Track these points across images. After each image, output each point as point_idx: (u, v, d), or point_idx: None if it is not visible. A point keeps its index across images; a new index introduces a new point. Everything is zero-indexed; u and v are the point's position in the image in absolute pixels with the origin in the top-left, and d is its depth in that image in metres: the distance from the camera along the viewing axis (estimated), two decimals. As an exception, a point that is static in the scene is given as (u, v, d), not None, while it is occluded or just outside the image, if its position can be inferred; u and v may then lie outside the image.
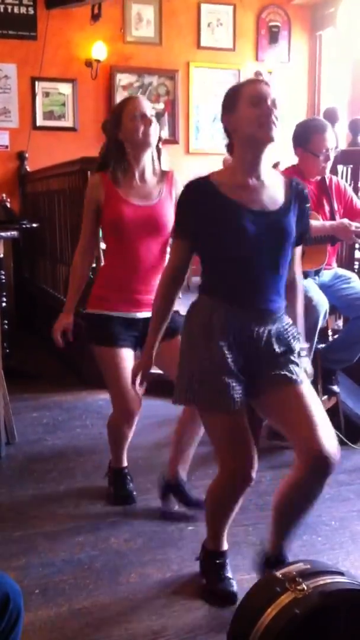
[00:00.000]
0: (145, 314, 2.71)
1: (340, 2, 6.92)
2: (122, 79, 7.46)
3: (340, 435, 3.47)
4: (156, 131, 2.72)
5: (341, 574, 1.78)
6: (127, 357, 2.79)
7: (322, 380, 3.45)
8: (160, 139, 2.79)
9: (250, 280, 2.07)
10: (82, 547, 2.59)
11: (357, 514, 2.85)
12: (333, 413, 3.48)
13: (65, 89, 7.29)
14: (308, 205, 2.15)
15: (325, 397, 3.42)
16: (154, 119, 2.71)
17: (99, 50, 7.17)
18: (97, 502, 2.96)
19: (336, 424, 3.46)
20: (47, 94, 7.24)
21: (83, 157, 4.85)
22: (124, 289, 2.80)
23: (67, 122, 7.33)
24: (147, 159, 2.76)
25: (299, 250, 2.20)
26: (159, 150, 2.80)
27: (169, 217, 2.72)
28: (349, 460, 3.40)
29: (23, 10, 6.99)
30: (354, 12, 6.78)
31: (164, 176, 2.79)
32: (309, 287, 3.25)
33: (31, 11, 7.00)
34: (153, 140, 2.72)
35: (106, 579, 2.39)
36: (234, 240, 2.03)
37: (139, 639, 2.07)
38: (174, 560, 2.50)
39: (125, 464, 3.03)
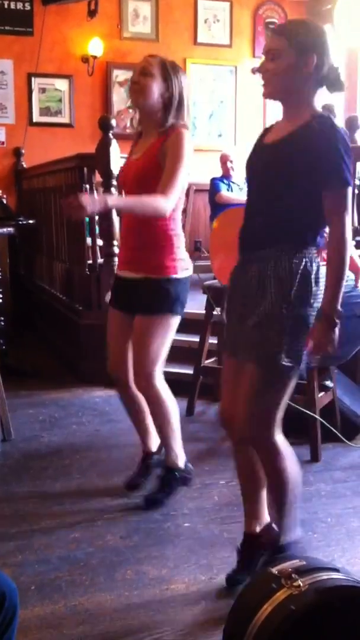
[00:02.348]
0: (126, 273, 2.75)
1: (337, -2, 6.91)
2: (119, 75, 7.44)
3: (337, 433, 3.49)
4: (148, 90, 2.60)
5: (337, 570, 1.78)
6: (115, 317, 2.84)
7: (318, 375, 3.46)
8: (172, 97, 2.61)
9: (246, 218, 2.10)
10: (78, 544, 2.59)
11: (353, 511, 2.86)
12: (329, 410, 3.49)
13: (62, 85, 7.28)
14: (323, 146, 1.92)
15: (322, 394, 3.42)
16: (153, 77, 2.60)
17: (95, 47, 7.15)
18: (93, 499, 2.96)
19: (333, 421, 3.49)
20: (43, 90, 7.23)
21: (79, 154, 4.85)
22: (120, 248, 2.90)
23: (64, 119, 7.32)
24: (152, 117, 2.65)
25: (331, 195, 1.94)
26: (175, 109, 2.63)
27: (145, 171, 2.63)
28: (344, 458, 3.41)
29: (19, 5, 6.97)
30: (350, 9, 6.77)
31: (165, 132, 2.63)
32: None
33: (27, 7, 6.99)
34: (142, 99, 2.62)
35: (102, 576, 2.39)
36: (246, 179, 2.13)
37: (135, 635, 2.07)
38: (170, 557, 2.50)
39: (147, 449, 3.00)
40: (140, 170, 2.66)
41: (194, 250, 7.05)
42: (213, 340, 4.07)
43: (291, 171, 1.96)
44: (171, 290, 2.66)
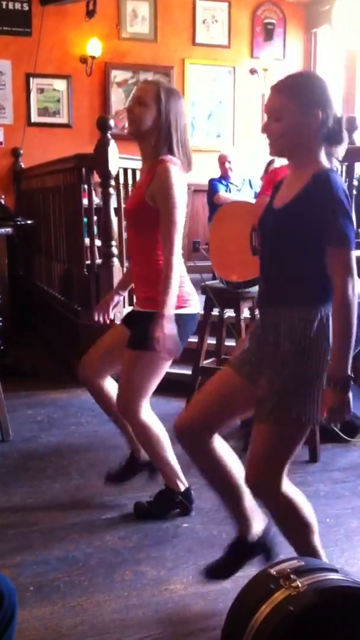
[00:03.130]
0: (135, 306, 2.76)
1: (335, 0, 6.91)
2: (117, 75, 7.45)
3: (337, 430, 3.49)
4: (141, 120, 2.56)
5: (335, 571, 1.78)
6: (117, 330, 2.85)
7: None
8: (163, 125, 2.57)
9: (263, 279, 2.09)
10: (77, 545, 2.59)
11: (351, 512, 2.86)
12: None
13: (60, 85, 7.28)
14: (322, 206, 1.90)
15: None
16: (147, 107, 2.57)
17: (93, 47, 7.15)
18: (92, 499, 2.96)
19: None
20: (41, 91, 7.23)
21: (77, 154, 4.85)
22: None
23: (62, 119, 7.32)
24: (147, 145, 2.61)
25: (332, 255, 1.91)
26: (166, 139, 2.58)
27: (136, 209, 2.62)
28: (343, 458, 3.41)
29: (18, 6, 6.97)
30: (349, 9, 6.77)
31: (153, 165, 2.58)
32: None
33: (26, 7, 6.99)
34: (135, 128, 2.59)
35: (101, 577, 2.39)
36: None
37: (134, 635, 2.07)
38: (169, 558, 2.50)
39: (133, 447, 2.96)
40: (132, 209, 2.67)
41: (193, 250, 7.08)
42: (212, 340, 4.07)
43: (296, 237, 1.94)
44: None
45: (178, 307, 2.55)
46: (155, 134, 2.58)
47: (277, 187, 2.11)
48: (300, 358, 1.94)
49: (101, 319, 2.98)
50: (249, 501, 2.21)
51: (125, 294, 3.15)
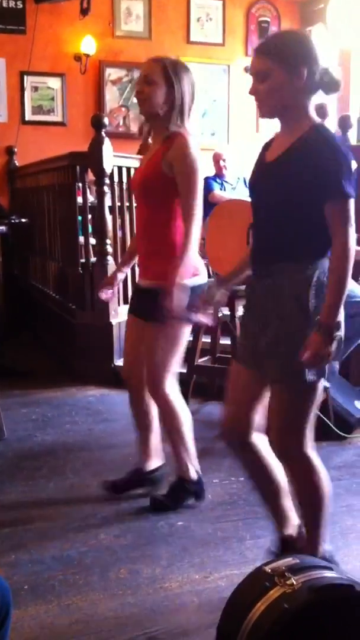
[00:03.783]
0: (141, 281, 2.75)
1: (329, -3, 6.92)
2: (112, 73, 7.44)
3: (332, 426, 3.50)
4: (152, 99, 2.56)
5: (330, 568, 1.78)
6: (132, 323, 2.83)
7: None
8: (175, 102, 2.57)
9: (255, 233, 2.09)
10: (72, 544, 2.59)
11: (347, 510, 2.86)
12: (323, 409, 3.50)
13: (54, 83, 7.27)
14: (322, 159, 1.89)
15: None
16: (156, 84, 2.56)
17: (88, 45, 7.14)
18: (87, 498, 2.96)
19: (327, 419, 3.49)
20: (36, 89, 7.22)
21: (72, 152, 4.84)
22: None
23: (56, 117, 7.31)
24: (159, 122, 2.62)
25: (332, 207, 1.91)
26: (179, 112, 2.59)
27: (149, 180, 2.61)
28: (338, 456, 3.41)
29: (12, 4, 6.95)
30: (343, 8, 6.78)
31: (168, 138, 2.60)
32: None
33: (20, 5, 6.97)
34: (148, 107, 2.59)
35: (96, 575, 2.38)
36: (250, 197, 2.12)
37: (129, 634, 2.07)
38: (164, 556, 2.50)
39: (141, 464, 2.94)
40: (144, 179, 2.65)
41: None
42: (206, 339, 4.08)
43: (293, 187, 1.94)
44: None
45: (192, 276, 2.60)
46: (168, 109, 2.58)
47: (266, 146, 2.11)
48: (304, 315, 1.95)
49: (105, 296, 2.98)
50: (289, 500, 2.22)
51: (129, 271, 3.17)
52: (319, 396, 2.05)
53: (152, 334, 2.68)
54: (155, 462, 2.95)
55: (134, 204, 4.93)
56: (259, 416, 2.18)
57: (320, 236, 1.95)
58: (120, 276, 2.96)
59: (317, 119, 1.99)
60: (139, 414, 2.91)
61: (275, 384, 2.03)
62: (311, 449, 2.08)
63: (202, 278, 2.69)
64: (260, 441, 2.17)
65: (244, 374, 2.14)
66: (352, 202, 1.92)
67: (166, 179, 2.56)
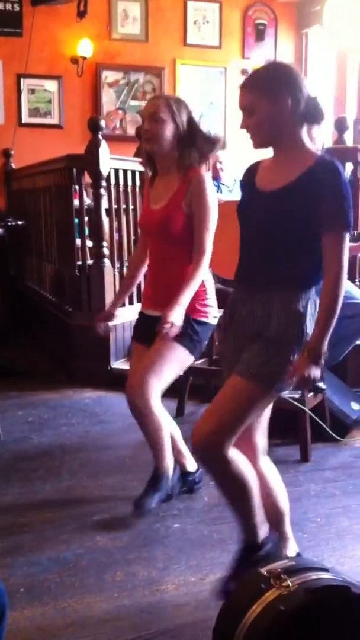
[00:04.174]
0: (151, 311, 2.79)
1: (326, 0, 6.93)
2: (108, 76, 7.44)
3: (327, 429, 3.50)
4: (161, 136, 2.64)
5: (326, 570, 1.78)
6: (139, 351, 2.84)
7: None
8: (183, 133, 2.66)
9: (245, 260, 2.12)
10: (68, 546, 2.59)
11: (342, 511, 2.86)
12: (319, 411, 3.50)
13: (51, 86, 7.27)
14: (328, 191, 1.94)
15: (311, 394, 3.42)
16: (164, 122, 2.64)
17: (84, 47, 7.14)
18: (83, 500, 2.96)
19: (322, 421, 3.50)
20: (32, 91, 7.22)
21: (68, 155, 4.84)
22: (145, 286, 2.94)
23: (53, 120, 7.31)
24: (169, 158, 2.69)
25: (332, 237, 1.96)
26: (188, 145, 2.67)
27: (174, 219, 2.67)
28: (334, 457, 3.42)
29: (8, 6, 6.95)
30: (339, 10, 6.79)
31: (186, 175, 2.68)
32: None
33: (17, 7, 6.97)
34: (157, 145, 2.66)
35: (92, 577, 2.38)
36: (241, 223, 2.14)
37: (125, 636, 2.07)
38: (160, 558, 2.50)
39: (161, 469, 2.86)
40: (164, 219, 2.69)
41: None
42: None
43: (296, 220, 1.98)
44: (191, 329, 2.68)
45: (202, 315, 2.72)
46: (177, 144, 2.66)
47: (252, 172, 2.14)
48: (289, 337, 2.01)
49: (105, 330, 3.12)
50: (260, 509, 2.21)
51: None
52: (268, 402, 2.10)
53: (155, 346, 2.69)
54: (191, 462, 2.98)
55: (130, 207, 4.96)
56: (262, 439, 2.20)
57: (315, 267, 2.02)
58: (117, 312, 3.01)
59: (316, 150, 2.03)
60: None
61: (242, 379, 2.03)
62: (233, 450, 2.06)
63: (211, 320, 2.78)
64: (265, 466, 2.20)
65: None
66: (348, 235, 1.99)
67: (188, 219, 2.66)
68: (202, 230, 2.66)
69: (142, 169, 4.97)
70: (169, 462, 2.85)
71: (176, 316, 2.57)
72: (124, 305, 3.08)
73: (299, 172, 1.99)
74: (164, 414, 2.79)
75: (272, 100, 1.97)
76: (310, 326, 2.02)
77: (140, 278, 3.06)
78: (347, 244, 1.98)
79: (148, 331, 2.74)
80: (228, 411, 2.04)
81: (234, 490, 2.12)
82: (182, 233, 2.68)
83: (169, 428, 2.83)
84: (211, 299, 2.80)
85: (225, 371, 2.19)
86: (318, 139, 2.08)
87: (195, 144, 2.68)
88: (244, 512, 2.15)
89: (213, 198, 2.69)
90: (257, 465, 2.18)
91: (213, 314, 2.78)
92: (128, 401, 2.80)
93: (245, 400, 2.03)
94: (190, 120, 2.69)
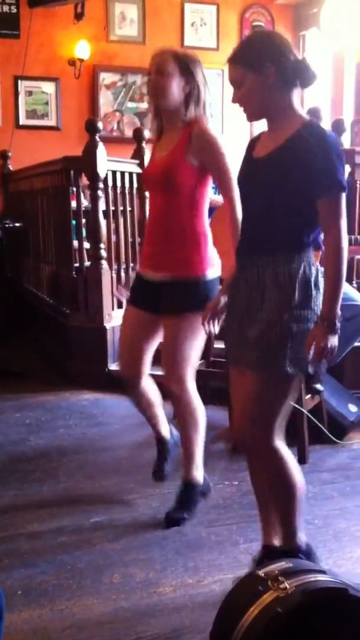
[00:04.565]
0: (150, 274, 2.68)
1: (323, 2, 6.94)
2: (106, 77, 7.44)
3: (325, 430, 3.50)
4: (168, 90, 2.54)
5: (323, 572, 1.78)
6: (133, 315, 2.76)
7: (306, 379, 3.46)
8: (192, 92, 2.58)
9: (243, 229, 2.12)
10: (65, 548, 2.58)
11: (340, 513, 2.86)
12: (317, 412, 3.50)
13: (49, 87, 7.27)
14: (317, 153, 1.91)
15: (309, 396, 3.42)
16: (170, 75, 2.54)
17: (82, 49, 7.15)
18: (80, 502, 2.95)
19: (320, 423, 3.50)
20: (30, 93, 7.22)
21: (66, 156, 4.84)
22: (144, 246, 2.85)
23: (50, 121, 7.31)
24: (176, 114, 2.60)
25: (326, 201, 1.94)
26: (195, 101, 2.59)
27: (172, 169, 2.57)
28: (332, 459, 3.42)
29: (6, 8, 6.95)
30: (336, 12, 6.80)
31: (187, 126, 2.58)
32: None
33: (14, 9, 6.97)
34: (163, 99, 2.56)
35: (89, 579, 2.38)
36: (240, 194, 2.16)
37: (122, 639, 2.06)
38: (157, 560, 2.50)
39: (161, 435, 2.95)
40: (167, 167, 2.59)
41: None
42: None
43: (286, 182, 1.97)
44: (199, 290, 2.57)
45: (206, 269, 2.60)
46: (183, 99, 2.57)
47: (252, 143, 2.14)
48: (288, 311, 1.97)
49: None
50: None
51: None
52: (294, 393, 2.07)
53: (171, 329, 2.62)
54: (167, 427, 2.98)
55: (128, 209, 4.96)
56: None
57: (307, 230, 2.00)
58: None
59: (306, 116, 2.02)
60: (144, 407, 2.88)
61: (251, 371, 2.03)
62: (280, 442, 2.08)
63: (218, 270, 2.67)
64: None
65: (239, 375, 2.14)
66: (344, 196, 1.96)
67: (190, 168, 2.55)
68: (226, 181, 2.55)
69: (139, 170, 5.02)
70: (200, 471, 2.77)
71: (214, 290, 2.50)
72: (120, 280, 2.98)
73: (287, 135, 1.99)
74: (202, 407, 2.71)
75: (257, 72, 1.97)
76: (314, 292, 1.99)
77: None
78: (343, 206, 1.95)
79: (148, 297, 2.67)
80: (258, 411, 2.03)
81: (283, 486, 2.12)
82: (184, 181, 2.56)
83: (204, 430, 2.74)
84: (209, 249, 2.65)
85: (230, 357, 2.16)
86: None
87: (200, 105, 2.60)
88: (288, 511, 2.15)
89: (223, 143, 2.57)
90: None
91: (212, 265, 2.64)
92: (123, 378, 2.80)
93: (267, 394, 2.02)
94: (199, 82, 2.59)
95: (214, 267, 2.64)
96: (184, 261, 2.60)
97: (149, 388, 2.83)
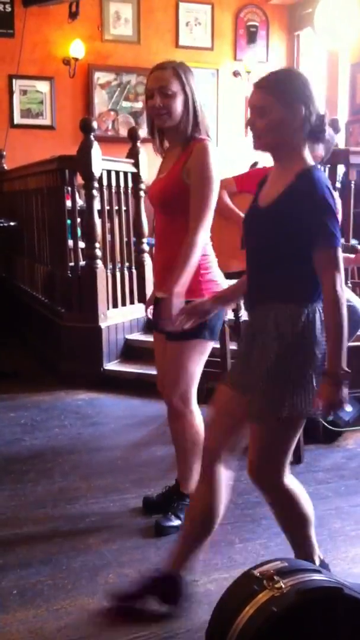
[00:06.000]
0: (160, 294, 2.63)
1: (317, 2, 6.95)
2: (100, 77, 7.44)
3: (320, 430, 3.51)
4: (174, 112, 2.51)
5: (318, 571, 1.78)
6: (157, 340, 2.74)
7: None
8: (193, 104, 2.54)
9: (249, 279, 2.10)
10: (60, 548, 2.58)
11: (335, 512, 2.87)
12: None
13: (43, 87, 7.26)
14: (316, 204, 1.90)
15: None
16: (175, 96, 2.50)
17: (77, 49, 7.15)
18: (75, 502, 2.95)
19: (315, 424, 3.50)
20: (24, 92, 7.21)
21: (61, 156, 4.84)
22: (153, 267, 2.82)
23: (45, 120, 7.31)
24: (175, 132, 2.56)
25: (320, 254, 1.92)
26: (193, 114, 2.56)
27: (169, 192, 2.54)
28: (327, 459, 3.42)
29: (0, 7, 6.94)
30: (331, 12, 6.81)
31: (188, 145, 2.53)
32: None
33: (8, 8, 6.97)
34: (170, 121, 2.53)
35: (84, 580, 2.37)
36: (244, 237, 2.11)
37: (118, 638, 2.06)
38: (153, 560, 2.49)
39: (185, 488, 2.73)
40: (164, 189, 2.58)
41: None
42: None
43: (283, 235, 1.95)
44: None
45: (207, 293, 2.52)
46: (185, 117, 2.54)
47: (261, 185, 2.11)
48: (287, 356, 1.95)
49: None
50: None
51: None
52: (299, 428, 2.05)
53: (171, 352, 2.60)
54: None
55: (123, 208, 4.95)
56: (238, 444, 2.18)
57: (308, 282, 1.96)
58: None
59: (310, 162, 1.98)
60: (174, 432, 2.78)
61: (253, 420, 2.02)
62: (288, 477, 2.07)
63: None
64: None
65: (228, 394, 2.12)
66: (340, 251, 1.93)
67: (186, 188, 2.50)
68: (198, 204, 2.47)
69: (134, 170, 5.02)
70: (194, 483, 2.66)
71: (175, 304, 2.37)
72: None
73: (284, 185, 1.96)
74: (202, 423, 2.64)
75: (287, 107, 1.92)
76: (320, 337, 1.96)
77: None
78: (339, 257, 1.91)
79: (156, 316, 2.65)
80: (265, 451, 2.03)
81: (294, 518, 2.12)
82: (181, 204, 2.50)
83: (201, 442, 2.56)
84: (211, 273, 2.59)
85: (230, 377, 2.16)
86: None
87: (199, 119, 2.56)
88: (299, 537, 2.15)
89: (215, 170, 2.50)
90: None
91: (214, 289, 2.55)
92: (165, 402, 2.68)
93: (274, 441, 2.02)
94: (195, 95, 2.56)
95: (216, 289, 2.55)
96: (191, 287, 2.53)
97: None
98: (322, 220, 1.89)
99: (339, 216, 1.96)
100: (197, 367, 2.62)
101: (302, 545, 2.15)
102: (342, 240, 3.27)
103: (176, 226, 2.55)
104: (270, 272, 2.02)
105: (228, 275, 3.41)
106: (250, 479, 2.09)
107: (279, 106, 1.93)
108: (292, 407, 1.95)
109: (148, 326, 4.71)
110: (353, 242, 4.03)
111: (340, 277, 1.92)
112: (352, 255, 3.31)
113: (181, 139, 2.57)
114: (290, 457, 2.08)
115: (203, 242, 2.50)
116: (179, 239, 2.51)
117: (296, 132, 1.96)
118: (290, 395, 1.95)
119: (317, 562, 2.14)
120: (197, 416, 2.67)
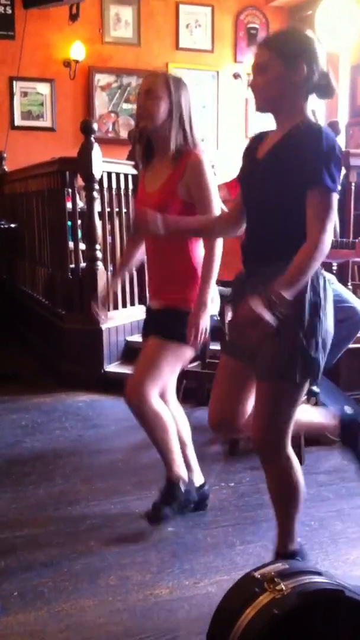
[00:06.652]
0: (154, 304, 2.69)
1: (317, 4, 6.95)
2: (101, 79, 7.45)
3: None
4: (155, 114, 2.51)
5: (320, 574, 1.78)
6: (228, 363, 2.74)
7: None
8: (181, 115, 2.54)
9: (247, 233, 2.09)
10: (61, 550, 2.58)
11: (336, 514, 2.87)
12: (312, 413, 3.51)
13: (44, 89, 7.27)
14: (309, 148, 1.86)
15: (305, 397, 3.42)
16: (159, 99, 2.51)
17: (77, 51, 7.16)
18: (76, 504, 2.95)
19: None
20: (25, 94, 7.22)
21: (61, 158, 4.84)
22: (148, 278, 2.85)
23: (46, 122, 7.31)
24: (160, 140, 2.57)
25: (310, 199, 1.87)
26: (182, 127, 2.54)
27: (170, 206, 2.52)
28: (327, 461, 3.42)
29: (0, 9, 6.95)
30: (331, 14, 6.82)
31: (180, 157, 2.54)
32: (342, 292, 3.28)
33: (9, 10, 6.98)
34: (151, 124, 2.52)
35: (85, 582, 2.37)
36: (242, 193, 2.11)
37: (119, 641, 2.07)
38: (154, 562, 2.49)
39: (172, 478, 2.73)
40: (161, 205, 2.51)
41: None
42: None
43: (284, 176, 1.91)
44: (185, 323, 2.55)
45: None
46: (169, 125, 2.53)
47: (258, 140, 2.08)
48: (297, 321, 1.93)
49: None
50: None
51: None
52: (302, 391, 2.06)
53: (152, 347, 2.60)
54: (198, 476, 2.85)
55: (124, 210, 4.96)
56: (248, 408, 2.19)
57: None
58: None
59: (312, 118, 1.97)
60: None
61: (261, 381, 2.03)
62: (290, 449, 2.10)
63: (213, 309, 2.65)
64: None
65: (232, 365, 2.15)
66: (334, 197, 1.88)
67: (182, 203, 2.52)
68: (204, 201, 2.52)
69: (134, 172, 5.02)
70: (181, 469, 2.72)
71: (203, 317, 2.50)
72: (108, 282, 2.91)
73: (285, 130, 1.95)
74: (168, 418, 2.65)
75: (287, 62, 1.91)
76: (322, 300, 1.95)
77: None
78: (332, 206, 1.86)
79: (151, 325, 2.68)
80: (270, 417, 2.04)
81: (290, 489, 2.15)
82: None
83: (174, 431, 2.68)
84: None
85: (232, 348, 2.16)
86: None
87: (190, 132, 2.56)
88: (290, 514, 2.18)
89: (212, 181, 2.54)
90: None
91: (212, 302, 2.62)
92: (128, 406, 2.67)
93: (280, 402, 2.03)
94: (189, 108, 2.56)
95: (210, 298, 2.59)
96: (179, 297, 2.59)
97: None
98: (318, 163, 1.85)
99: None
100: (171, 369, 2.64)
101: (290, 524, 2.19)
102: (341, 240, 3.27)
103: (170, 242, 2.54)
104: (271, 227, 1.98)
105: (223, 283, 3.41)
106: (254, 448, 2.13)
107: (278, 60, 1.92)
108: (302, 366, 1.96)
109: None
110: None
111: (330, 226, 1.86)
112: (353, 251, 3.32)
113: (168, 149, 2.56)
114: (292, 427, 2.08)
115: (219, 251, 2.55)
116: (173, 256, 2.57)
117: (297, 88, 1.94)
118: (300, 353, 1.95)
119: (298, 545, 2.20)
120: (159, 411, 2.62)
